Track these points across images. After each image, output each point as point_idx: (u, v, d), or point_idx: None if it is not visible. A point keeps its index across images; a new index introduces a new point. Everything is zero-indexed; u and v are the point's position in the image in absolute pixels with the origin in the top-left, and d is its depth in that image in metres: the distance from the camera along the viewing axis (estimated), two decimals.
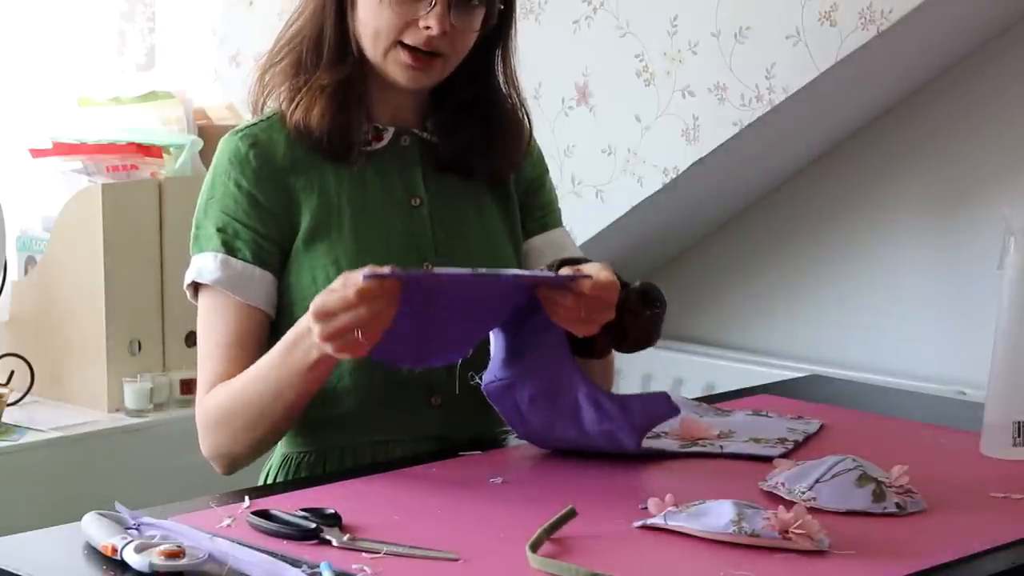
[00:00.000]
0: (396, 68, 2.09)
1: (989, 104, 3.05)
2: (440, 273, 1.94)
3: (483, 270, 1.97)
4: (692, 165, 3.12)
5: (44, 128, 3.28)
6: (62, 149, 3.18)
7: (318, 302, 1.88)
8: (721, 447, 2.11)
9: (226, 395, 2.05)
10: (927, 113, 3.12)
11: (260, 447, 2.08)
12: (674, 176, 3.13)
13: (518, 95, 2.22)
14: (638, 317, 2.03)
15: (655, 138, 3.15)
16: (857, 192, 3.23)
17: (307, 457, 2.12)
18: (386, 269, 1.86)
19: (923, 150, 3.14)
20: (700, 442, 2.13)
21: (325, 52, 2.11)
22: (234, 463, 2.10)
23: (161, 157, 3.19)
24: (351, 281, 1.86)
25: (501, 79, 2.20)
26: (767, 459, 2.05)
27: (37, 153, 3.19)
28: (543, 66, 3.24)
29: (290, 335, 1.99)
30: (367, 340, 1.86)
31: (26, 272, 3.18)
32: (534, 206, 2.27)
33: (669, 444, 2.11)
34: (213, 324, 2.08)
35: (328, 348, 1.89)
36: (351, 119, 2.11)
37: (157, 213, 3.07)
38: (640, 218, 3.24)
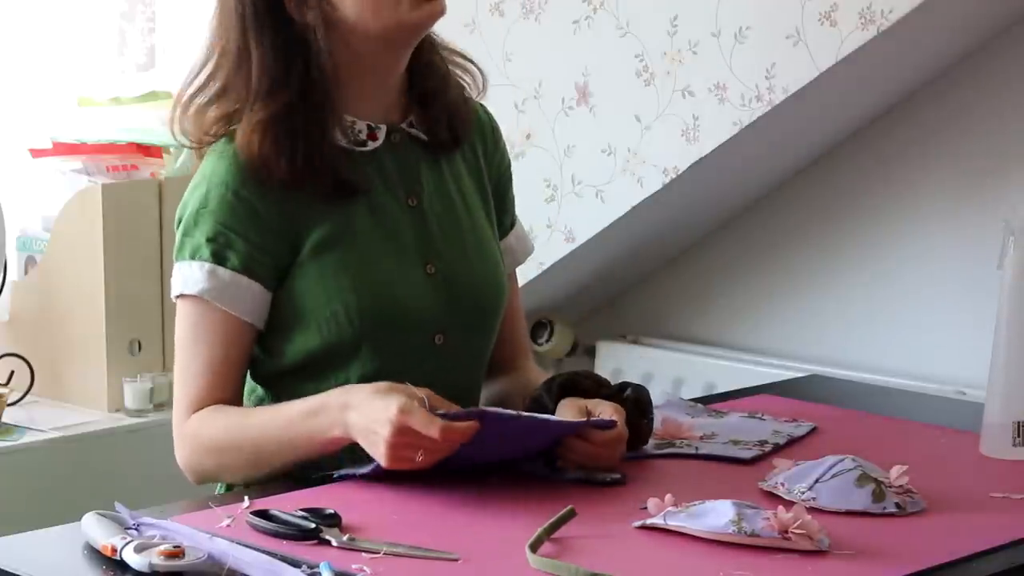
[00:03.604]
0: (411, 13, 2.03)
1: (989, 104, 3.05)
2: (500, 416, 1.92)
3: (528, 415, 1.98)
4: (692, 165, 3.12)
5: (44, 128, 3.28)
6: (62, 149, 3.18)
7: (402, 418, 1.86)
8: (696, 448, 2.11)
9: (223, 429, 2.02)
10: (927, 113, 3.12)
11: (244, 481, 2.05)
12: (674, 176, 3.13)
13: (450, 48, 2.19)
14: (635, 426, 2.05)
15: (655, 138, 3.15)
16: (857, 192, 3.23)
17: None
18: (472, 412, 1.89)
19: (923, 150, 3.13)
20: (677, 442, 2.13)
21: (257, 89, 2.04)
22: (211, 482, 2.10)
23: (161, 157, 3.19)
24: (432, 419, 1.86)
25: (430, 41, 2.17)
26: (739, 461, 2.06)
27: (37, 153, 3.19)
28: (543, 66, 3.24)
29: (316, 401, 1.97)
30: (424, 464, 1.88)
31: (26, 272, 3.17)
32: (507, 199, 2.27)
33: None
34: (198, 337, 2.04)
35: (382, 449, 1.88)
36: (303, 155, 2.03)
37: (157, 213, 3.07)
38: (640, 218, 3.24)
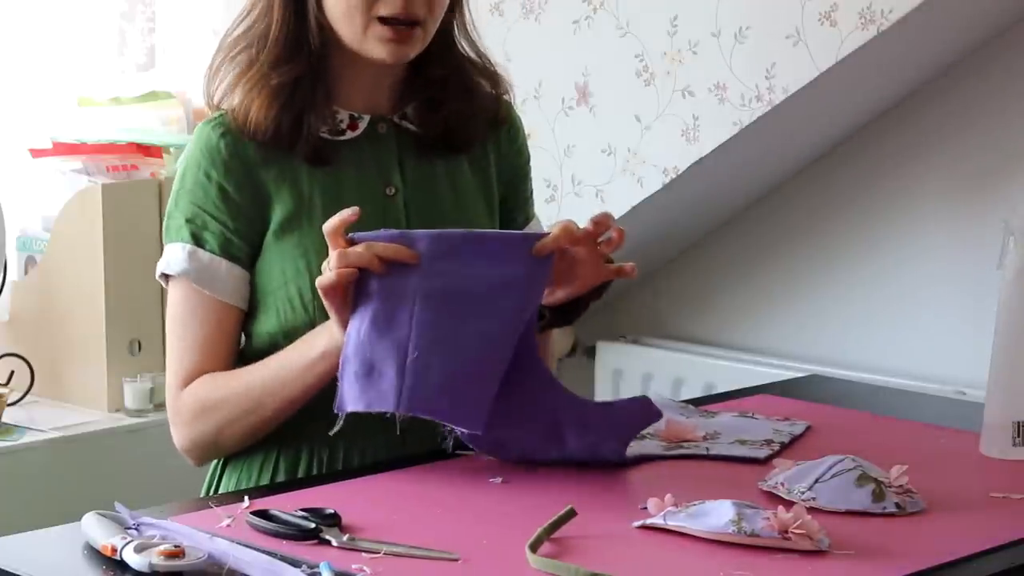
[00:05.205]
0: (376, 45, 2.05)
1: (989, 104, 3.05)
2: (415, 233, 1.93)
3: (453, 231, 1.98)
4: (692, 165, 3.12)
5: (44, 128, 3.28)
6: (62, 149, 3.18)
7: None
8: (707, 448, 2.11)
9: (216, 386, 2.05)
10: (927, 113, 3.12)
11: (246, 439, 2.07)
12: (674, 176, 3.14)
13: (482, 56, 2.19)
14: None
15: (655, 138, 3.15)
16: (857, 192, 3.23)
17: (294, 453, 2.11)
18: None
19: (922, 150, 3.14)
20: (685, 444, 2.13)
21: (271, 49, 2.07)
22: (211, 454, 2.10)
23: (161, 157, 3.19)
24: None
25: (464, 44, 2.17)
26: (753, 460, 2.05)
27: (37, 153, 3.19)
28: (543, 66, 3.24)
29: (306, 335, 2.01)
30: (338, 271, 1.89)
31: (26, 272, 3.18)
32: (519, 195, 2.27)
33: (654, 447, 2.11)
34: (184, 318, 2.07)
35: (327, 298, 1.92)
36: (294, 119, 2.07)
37: (157, 213, 3.07)
38: (640, 218, 3.24)
